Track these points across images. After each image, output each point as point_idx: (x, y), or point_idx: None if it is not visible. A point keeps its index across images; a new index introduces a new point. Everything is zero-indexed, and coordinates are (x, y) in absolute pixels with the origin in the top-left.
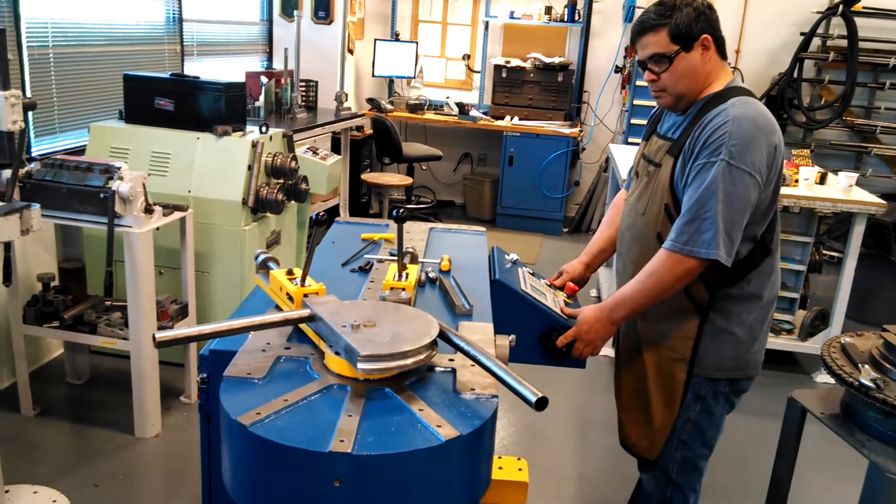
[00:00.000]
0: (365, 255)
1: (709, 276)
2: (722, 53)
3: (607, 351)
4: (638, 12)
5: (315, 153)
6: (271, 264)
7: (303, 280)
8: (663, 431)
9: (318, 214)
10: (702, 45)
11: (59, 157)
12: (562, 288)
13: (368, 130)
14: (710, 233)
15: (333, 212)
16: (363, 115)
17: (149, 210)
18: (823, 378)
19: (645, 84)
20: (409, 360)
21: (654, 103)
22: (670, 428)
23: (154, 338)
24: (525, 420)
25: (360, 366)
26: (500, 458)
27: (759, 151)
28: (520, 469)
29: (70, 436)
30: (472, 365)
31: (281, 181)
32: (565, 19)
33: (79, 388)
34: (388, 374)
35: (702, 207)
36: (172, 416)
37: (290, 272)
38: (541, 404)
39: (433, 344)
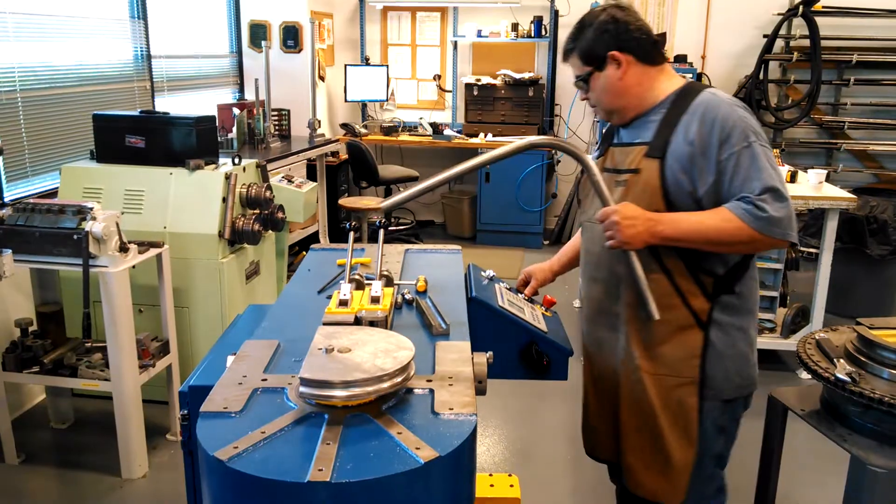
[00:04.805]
0: (341, 281)
1: (707, 285)
2: (647, 60)
3: None
4: None
5: (290, 181)
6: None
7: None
8: (686, 469)
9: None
10: (613, 61)
11: (30, 200)
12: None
13: (344, 155)
14: (786, 211)
15: (313, 238)
16: (337, 140)
17: (124, 248)
18: (808, 375)
19: None
20: (346, 392)
21: None
22: (693, 464)
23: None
24: (515, 436)
25: (300, 388)
26: (490, 475)
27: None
28: (511, 485)
29: (56, 482)
30: (451, 384)
31: (257, 211)
32: (532, 35)
33: (63, 433)
34: (332, 402)
35: (768, 189)
36: (159, 455)
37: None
38: None
39: (383, 378)
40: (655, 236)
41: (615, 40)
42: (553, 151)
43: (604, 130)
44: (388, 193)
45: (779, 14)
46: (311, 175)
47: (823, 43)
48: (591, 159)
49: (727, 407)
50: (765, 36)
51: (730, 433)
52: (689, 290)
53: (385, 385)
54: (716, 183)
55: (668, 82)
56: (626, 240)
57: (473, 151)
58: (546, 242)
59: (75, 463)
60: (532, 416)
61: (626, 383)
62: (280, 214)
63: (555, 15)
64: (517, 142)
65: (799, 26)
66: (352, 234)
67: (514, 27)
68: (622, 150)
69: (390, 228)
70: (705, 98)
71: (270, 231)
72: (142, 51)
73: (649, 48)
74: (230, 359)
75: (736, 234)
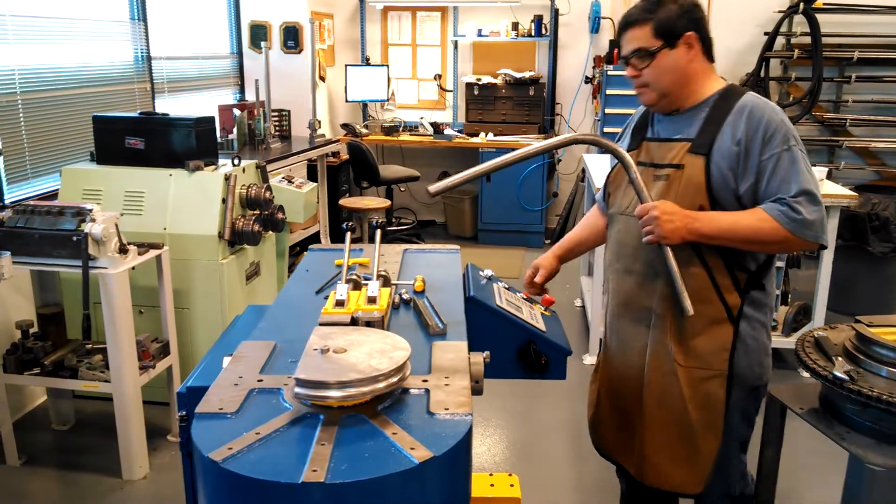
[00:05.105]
0: (338, 282)
1: (740, 280)
2: (709, 55)
3: (590, 359)
4: (604, 23)
5: (290, 182)
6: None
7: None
8: (711, 459)
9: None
10: (686, 42)
11: (30, 202)
12: (540, 292)
13: (344, 156)
14: (819, 214)
15: (314, 239)
16: (338, 140)
17: (123, 250)
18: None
19: (615, 93)
20: (341, 393)
21: (624, 111)
22: (717, 454)
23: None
24: (515, 435)
25: (296, 389)
26: (491, 475)
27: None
28: (511, 485)
29: (58, 483)
30: (447, 384)
31: (257, 212)
32: (532, 34)
33: (64, 434)
34: (327, 403)
35: (804, 192)
36: (160, 457)
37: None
38: None
39: (379, 378)
40: (693, 233)
41: (695, 23)
42: (556, 150)
43: (632, 124)
44: (389, 193)
45: (779, 11)
46: (312, 175)
47: (824, 40)
48: (628, 156)
49: (752, 395)
50: (765, 33)
51: (752, 420)
52: (724, 286)
53: (380, 385)
54: (755, 182)
55: (714, 82)
56: (665, 235)
57: (474, 151)
58: (547, 242)
59: (76, 464)
60: (532, 415)
61: (655, 377)
62: (280, 215)
63: (555, 14)
64: (561, 136)
65: (800, 23)
66: (349, 234)
67: (515, 26)
68: (660, 144)
69: (392, 229)
70: (749, 100)
71: (270, 232)
72: (142, 52)
73: (711, 43)
74: (227, 360)
75: (771, 235)
